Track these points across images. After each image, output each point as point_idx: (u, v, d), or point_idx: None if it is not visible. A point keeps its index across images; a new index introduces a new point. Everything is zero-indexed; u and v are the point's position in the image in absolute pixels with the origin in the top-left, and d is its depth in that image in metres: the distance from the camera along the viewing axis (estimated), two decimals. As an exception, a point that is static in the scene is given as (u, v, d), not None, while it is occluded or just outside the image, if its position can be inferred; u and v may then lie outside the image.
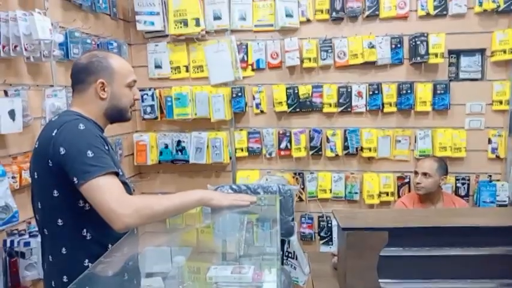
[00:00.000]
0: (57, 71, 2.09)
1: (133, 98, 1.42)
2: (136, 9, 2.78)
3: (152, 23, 2.80)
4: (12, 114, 1.71)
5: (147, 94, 2.90)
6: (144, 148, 2.90)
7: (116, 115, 1.39)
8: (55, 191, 1.22)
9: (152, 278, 1.53)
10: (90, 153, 1.17)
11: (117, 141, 2.70)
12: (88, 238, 1.26)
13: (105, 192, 1.15)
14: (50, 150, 1.19)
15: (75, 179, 1.16)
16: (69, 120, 1.24)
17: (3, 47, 1.69)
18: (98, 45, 2.46)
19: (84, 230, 1.25)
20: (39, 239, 1.52)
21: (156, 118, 2.93)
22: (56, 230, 1.26)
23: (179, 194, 1.33)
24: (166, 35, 2.87)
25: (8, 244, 1.73)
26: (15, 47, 1.73)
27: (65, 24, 2.15)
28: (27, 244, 1.74)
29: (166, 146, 2.92)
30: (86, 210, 1.23)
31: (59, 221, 1.24)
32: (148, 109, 2.91)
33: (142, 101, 2.90)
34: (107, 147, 1.26)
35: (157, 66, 2.92)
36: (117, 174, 1.22)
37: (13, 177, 1.73)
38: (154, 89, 2.90)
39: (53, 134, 1.20)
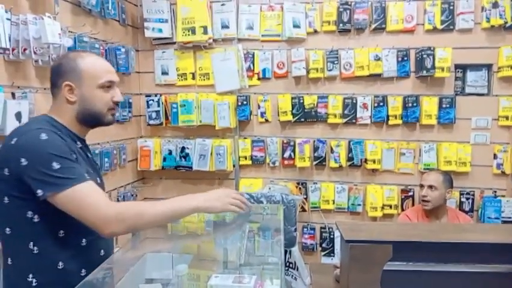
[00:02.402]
0: (64, 74, 2.10)
1: (112, 100, 1.30)
2: (145, 16, 2.81)
3: (160, 30, 2.82)
4: (18, 116, 1.71)
5: (153, 100, 2.91)
6: (148, 154, 2.91)
7: (90, 119, 1.30)
8: (5, 198, 1.16)
9: (152, 284, 1.52)
10: (56, 165, 1.11)
11: (121, 146, 2.70)
12: (35, 252, 1.17)
13: (84, 201, 1.11)
14: (8, 158, 1.14)
15: (39, 191, 1.10)
16: (31, 130, 1.16)
17: (13, 49, 1.70)
18: (106, 50, 2.47)
19: (31, 243, 1.17)
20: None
21: (161, 124, 2.93)
22: (4, 239, 1.20)
23: (174, 201, 1.25)
24: (174, 42, 2.89)
25: None
26: (25, 50, 1.74)
27: (74, 29, 2.16)
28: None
29: (170, 152, 2.92)
30: (35, 222, 1.16)
31: (7, 229, 1.18)
32: (154, 115, 2.92)
33: (148, 107, 2.91)
34: (75, 156, 1.19)
35: (164, 73, 2.94)
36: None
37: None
38: (160, 95, 2.92)
39: (12, 143, 1.14)
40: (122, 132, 2.76)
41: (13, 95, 1.76)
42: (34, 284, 1.18)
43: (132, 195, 2.82)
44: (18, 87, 1.81)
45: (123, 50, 2.61)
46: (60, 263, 1.19)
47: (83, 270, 1.23)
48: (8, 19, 1.59)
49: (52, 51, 1.85)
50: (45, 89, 1.98)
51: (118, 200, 2.64)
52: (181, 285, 1.42)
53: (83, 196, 1.12)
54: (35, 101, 1.87)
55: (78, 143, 1.29)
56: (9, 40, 1.63)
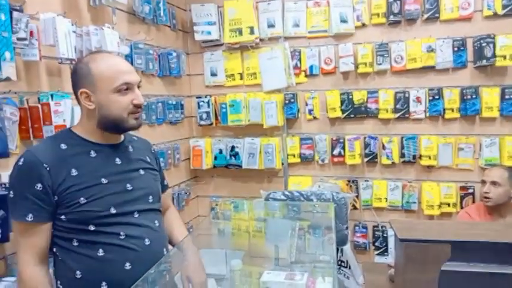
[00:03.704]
0: (122, 80, 2.24)
1: (133, 102, 1.21)
2: (194, 20, 2.91)
3: (209, 33, 2.91)
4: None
5: (203, 101, 3.01)
6: (199, 153, 3.01)
7: (111, 126, 1.23)
8: None
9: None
10: (11, 194, 1.15)
11: (175, 146, 2.83)
12: (59, 258, 1.22)
13: (17, 241, 1.17)
14: None
15: None
16: (25, 151, 1.20)
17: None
18: (159, 55, 2.60)
19: (54, 249, 1.23)
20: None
21: (211, 124, 3.03)
22: None
23: None
24: (222, 44, 2.97)
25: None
26: (88, 59, 1.88)
27: (130, 37, 2.30)
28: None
29: (221, 151, 3.00)
30: (52, 231, 1.21)
31: None
32: (204, 115, 3.02)
33: (199, 108, 3.02)
34: (40, 186, 1.13)
35: (213, 74, 3.03)
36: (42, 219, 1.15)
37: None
38: (210, 96, 3.01)
39: None
40: (175, 133, 2.88)
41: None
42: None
43: (186, 193, 2.94)
44: (83, 93, 1.96)
45: (174, 54, 2.73)
46: (78, 273, 1.18)
47: (103, 283, 1.18)
48: (73, 32, 1.72)
49: (111, 59, 1.98)
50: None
51: (173, 198, 2.77)
52: (234, 280, 1.47)
53: (15, 237, 1.18)
54: (97, 106, 2.02)
55: (92, 152, 1.23)
56: (75, 51, 1.77)
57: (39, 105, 1.63)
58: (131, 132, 1.36)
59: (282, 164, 2.93)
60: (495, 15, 2.50)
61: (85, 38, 1.85)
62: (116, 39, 1.94)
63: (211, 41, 2.97)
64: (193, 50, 3.08)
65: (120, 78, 1.19)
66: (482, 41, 2.48)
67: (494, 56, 2.46)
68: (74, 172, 1.17)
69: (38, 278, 1.15)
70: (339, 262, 2.56)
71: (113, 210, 1.20)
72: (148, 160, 1.40)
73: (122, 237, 1.21)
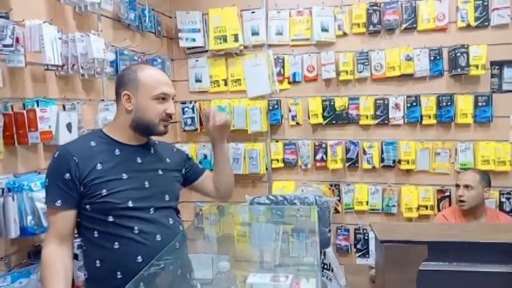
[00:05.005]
0: (107, 86, 2.25)
1: (165, 112, 1.36)
2: (179, 27, 2.94)
3: (194, 40, 2.94)
4: (69, 126, 1.86)
5: (187, 107, 3.03)
6: (184, 158, 3.02)
7: (143, 128, 1.37)
8: None
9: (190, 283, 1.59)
10: (46, 181, 1.29)
11: (160, 152, 2.83)
12: (84, 248, 1.36)
13: (48, 224, 1.32)
14: None
15: None
16: (61, 145, 1.36)
17: (63, 65, 1.85)
18: (144, 61, 2.61)
19: (79, 239, 1.37)
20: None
21: (196, 130, 3.05)
22: None
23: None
24: (206, 51, 3.00)
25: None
26: (73, 65, 1.89)
27: (115, 43, 2.31)
28: (80, 247, 1.85)
29: (205, 157, 3.02)
30: (78, 221, 1.33)
31: None
32: (189, 121, 3.04)
33: (183, 113, 3.04)
34: (68, 176, 1.25)
35: (198, 80, 3.05)
36: (67, 206, 1.27)
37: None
38: (195, 102, 3.03)
39: None
40: (160, 139, 2.88)
41: (64, 107, 1.91)
42: (85, 277, 1.32)
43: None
44: (68, 99, 1.96)
45: (159, 60, 2.75)
46: (97, 262, 1.31)
47: (118, 273, 1.29)
48: (59, 38, 1.73)
49: (97, 65, 1.99)
50: (90, 100, 2.13)
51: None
52: (221, 284, 1.49)
53: (47, 220, 1.31)
54: (82, 111, 2.02)
55: (117, 150, 1.35)
56: (61, 57, 1.77)
57: (25, 112, 1.63)
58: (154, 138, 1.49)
59: (266, 168, 2.97)
60: (468, 27, 2.63)
61: (71, 45, 1.86)
62: (101, 45, 1.95)
63: (196, 47, 3.00)
64: (178, 57, 3.10)
65: (160, 88, 1.35)
66: (456, 50, 2.60)
67: (468, 65, 2.58)
68: (99, 166, 1.30)
69: (55, 256, 1.25)
70: (322, 265, 2.61)
71: (130, 204, 1.31)
72: (168, 161, 1.51)
73: (136, 231, 1.31)
